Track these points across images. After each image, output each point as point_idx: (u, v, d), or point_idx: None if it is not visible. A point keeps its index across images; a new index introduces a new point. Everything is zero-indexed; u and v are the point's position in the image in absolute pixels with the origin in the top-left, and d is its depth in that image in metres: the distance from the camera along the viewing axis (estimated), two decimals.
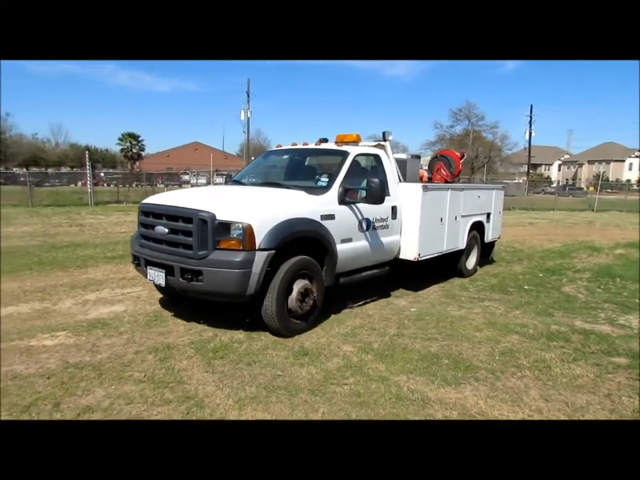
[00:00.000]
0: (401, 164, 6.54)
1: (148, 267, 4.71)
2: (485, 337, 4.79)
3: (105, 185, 33.82)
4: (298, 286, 4.60)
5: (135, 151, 53.47)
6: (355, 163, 5.61)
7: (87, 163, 21.19)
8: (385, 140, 6.36)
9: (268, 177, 6.32)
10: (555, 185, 49.68)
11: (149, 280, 4.75)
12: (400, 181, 6.22)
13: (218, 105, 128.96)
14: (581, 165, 79.91)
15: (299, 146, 6.45)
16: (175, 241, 4.50)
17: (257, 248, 4.22)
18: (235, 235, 4.20)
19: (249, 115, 43.15)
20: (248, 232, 4.17)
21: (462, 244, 7.23)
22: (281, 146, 6.77)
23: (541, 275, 8.05)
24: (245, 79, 49.98)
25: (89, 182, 21.23)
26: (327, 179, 5.35)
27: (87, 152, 24.93)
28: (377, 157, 6.06)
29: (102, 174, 37.46)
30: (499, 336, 4.83)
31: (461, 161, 7.99)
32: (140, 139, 54.02)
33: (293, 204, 4.75)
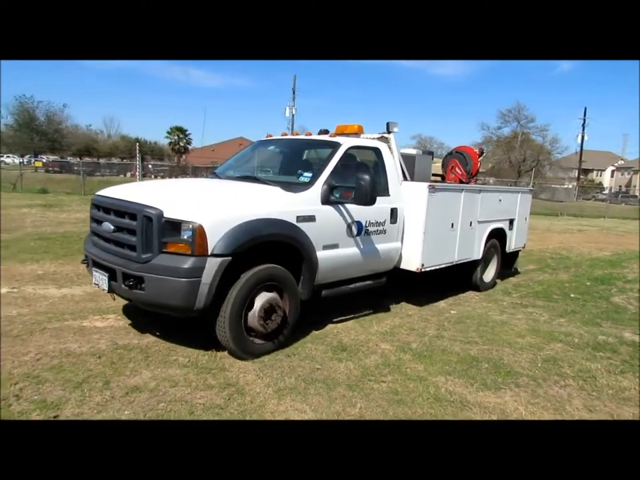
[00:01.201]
0: (409, 160, 5.82)
1: (94, 268, 4.18)
2: (527, 344, 4.68)
3: (153, 176, 34.85)
4: (261, 300, 3.89)
5: (182, 144, 54.84)
6: (348, 156, 4.89)
7: (137, 155, 21.95)
8: (389, 132, 5.50)
9: (248, 170, 5.51)
10: (607, 191, 47.48)
11: (94, 284, 4.21)
12: (406, 179, 5.46)
13: (263, 101, 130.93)
14: (636, 172, 75.92)
15: (289, 136, 5.70)
16: (120, 241, 3.93)
17: (208, 253, 3.57)
18: (184, 237, 3.56)
19: (293, 112, 43.53)
20: (198, 234, 3.51)
21: (477, 254, 6.38)
22: (271, 135, 5.90)
23: (588, 283, 7.76)
24: (292, 75, 50.48)
25: (137, 173, 22.03)
26: (310, 174, 4.62)
27: (137, 144, 25.82)
28: (376, 151, 5.24)
29: (150, 166, 38.66)
30: (542, 343, 4.72)
31: (480, 159, 7.15)
32: (187, 132, 55.43)
33: (262, 202, 4.07)
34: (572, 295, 6.86)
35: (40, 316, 4.62)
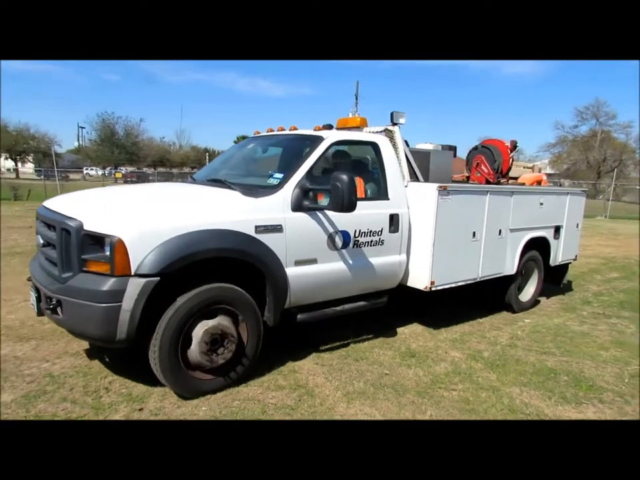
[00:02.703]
0: (422, 157, 4.98)
1: (30, 287, 3.66)
2: (611, 357, 4.38)
3: None
4: (204, 328, 3.23)
5: None
6: (335, 153, 4.25)
7: (207, 164, 22.99)
8: (393, 123, 4.67)
9: (221, 172, 4.62)
10: None
11: (31, 304, 3.61)
12: (417, 180, 4.66)
13: (327, 106, 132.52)
14: None
15: (275, 132, 5.04)
16: (47, 257, 3.49)
17: (132, 273, 2.97)
18: (106, 254, 2.99)
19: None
20: (117, 249, 2.93)
21: (511, 268, 5.36)
22: (259, 133, 5.24)
23: None
24: (355, 81, 50.64)
25: None
26: (281, 175, 3.85)
27: (206, 153, 27.03)
28: (374, 146, 4.41)
29: None
30: (629, 357, 4.39)
31: (512, 154, 5.98)
32: None
33: (210, 210, 3.38)
34: None
35: None
